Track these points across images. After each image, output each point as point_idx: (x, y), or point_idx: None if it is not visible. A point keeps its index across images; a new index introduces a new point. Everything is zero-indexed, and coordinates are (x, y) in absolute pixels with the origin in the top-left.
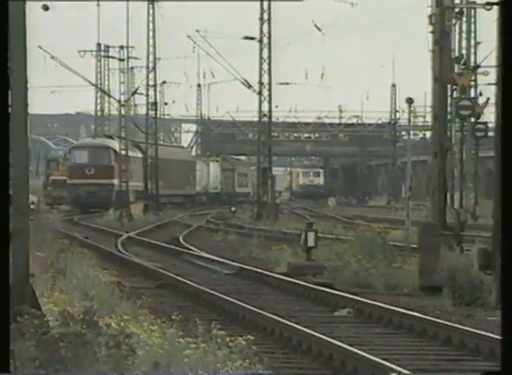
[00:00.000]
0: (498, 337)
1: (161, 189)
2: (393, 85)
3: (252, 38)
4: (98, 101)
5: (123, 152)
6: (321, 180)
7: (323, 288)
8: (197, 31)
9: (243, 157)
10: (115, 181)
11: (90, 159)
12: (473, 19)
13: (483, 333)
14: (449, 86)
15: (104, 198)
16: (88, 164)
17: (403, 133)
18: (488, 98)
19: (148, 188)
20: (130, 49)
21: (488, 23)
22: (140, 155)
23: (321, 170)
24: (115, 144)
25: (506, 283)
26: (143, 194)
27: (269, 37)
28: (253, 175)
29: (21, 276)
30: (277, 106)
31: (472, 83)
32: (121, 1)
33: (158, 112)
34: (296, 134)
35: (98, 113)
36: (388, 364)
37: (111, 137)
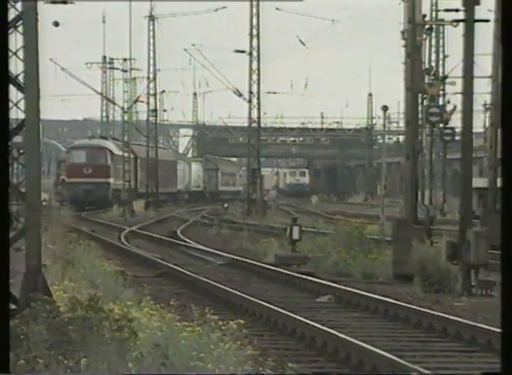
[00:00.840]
0: (463, 320)
1: (145, 187)
2: (370, 94)
3: (243, 52)
4: (104, 108)
5: (120, 153)
6: (306, 180)
7: (306, 277)
8: (193, 45)
9: (234, 158)
10: (111, 180)
11: (87, 159)
12: (441, 35)
13: (450, 317)
14: (420, 95)
15: (101, 196)
16: (86, 164)
17: (379, 137)
18: (455, 106)
19: (137, 187)
20: (133, 61)
21: (455, 38)
22: (131, 155)
23: (306, 170)
24: (110, 145)
25: (506, 284)
26: (133, 192)
27: (258, 51)
28: (243, 175)
29: (34, 267)
30: (265, 113)
31: (441, 92)
32: (123, 0)
33: (158, 118)
34: (282, 138)
35: (104, 119)
36: (365, 345)
37: (105, 138)
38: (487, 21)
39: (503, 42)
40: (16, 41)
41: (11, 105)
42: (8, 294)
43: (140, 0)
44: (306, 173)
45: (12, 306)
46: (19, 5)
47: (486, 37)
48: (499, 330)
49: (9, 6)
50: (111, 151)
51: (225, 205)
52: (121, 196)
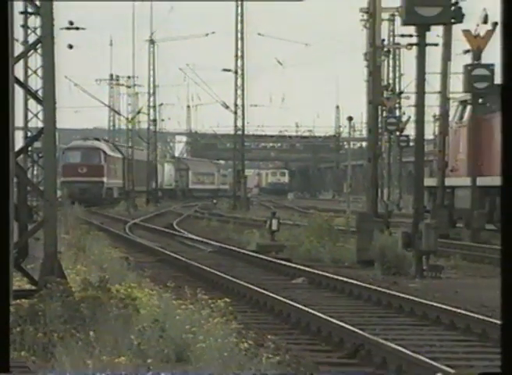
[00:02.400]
0: (416, 298)
1: (129, 186)
2: (337, 107)
3: (229, 70)
4: (111, 118)
5: (112, 153)
6: (286, 179)
7: (283, 262)
8: (187, 65)
9: (222, 161)
10: (105, 179)
11: (82, 159)
12: (398, 57)
13: (405, 296)
14: (379, 107)
15: (95, 194)
16: (81, 163)
17: (345, 143)
18: (409, 117)
19: (125, 185)
20: (135, 78)
21: (409, 59)
22: (120, 155)
23: (286, 171)
24: (103, 146)
25: (506, 286)
26: (121, 190)
27: (242, 70)
28: (228, 175)
29: (51, 253)
30: (248, 122)
31: (397, 105)
32: (125, 0)
33: (157, 126)
34: (263, 144)
35: (111, 128)
36: (333, 320)
37: (98, 139)
38: (436, 45)
39: (504, 43)
40: (36, 61)
41: (31, 115)
42: (8, 294)
43: None
44: (286, 173)
45: (32, 287)
46: (38, 31)
47: (435, 58)
48: (446, 307)
49: (30, 31)
50: (104, 152)
51: (214, 201)
52: (113, 194)
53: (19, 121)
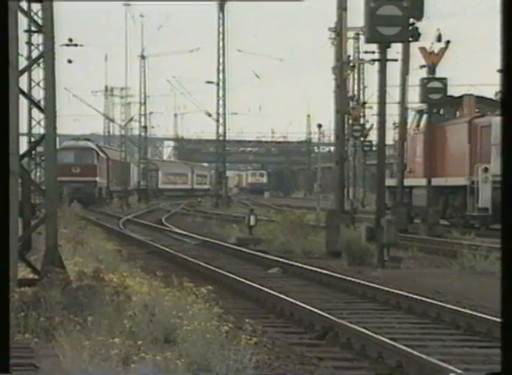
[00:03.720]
0: (378, 286)
1: (111, 185)
2: (308, 115)
3: (212, 82)
4: (106, 125)
5: (102, 154)
6: (264, 180)
7: (260, 254)
8: (174, 77)
9: (205, 164)
10: (98, 179)
11: (76, 159)
12: (362, 71)
13: (368, 284)
14: (346, 116)
15: (89, 194)
16: (74, 163)
17: (315, 147)
18: (372, 124)
19: (109, 184)
20: (128, 89)
21: (372, 73)
22: (105, 156)
23: (264, 172)
24: (95, 146)
25: (506, 286)
26: (106, 190)
27: (224, 82)
28: (210, 176)
29: (52, 246)
30: (229, 129)
31: (361, 114)
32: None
33: (147, 133)
34: (242, 148)
35: (106, 134)
36: (305, 305)
37: (88, 140)
38: (395, 60)
39: (504, 42)
40: (38, 74)
41: (34, 122)
42: (8, 294)
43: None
44: (264, 174)
45: (35, 276)
46: (40, 47)
47: (395, 72)
48: (405, 293)
49: (33, 48)
50: (97, 152)
51: (199, 200)
52: (103, 193)
53: (23, 127)
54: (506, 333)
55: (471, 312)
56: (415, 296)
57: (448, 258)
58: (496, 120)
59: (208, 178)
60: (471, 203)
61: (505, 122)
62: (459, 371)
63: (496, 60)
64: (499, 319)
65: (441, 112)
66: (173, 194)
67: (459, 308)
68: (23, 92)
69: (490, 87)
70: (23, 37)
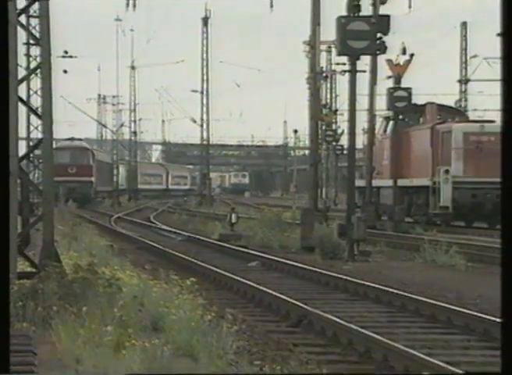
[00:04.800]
0: (348, 278)
1: (98, 185)
2: (285, 121)
3: (196, 91)
4: (99, 130)
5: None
6: (247, 180)
7: (241, 249)
8: (162, 86)
9: (190, 166)
10: (93, 179)
11: (71, 159)
12: (334, 81)
13: (340, 276)
14: (319, 122)
15: (84, 194)
16: (70, 163)
17: (291, 151)
18: (343, 130)
19: (96, 185)
20: (119, 97)
21: (343, 83)
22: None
23: (247, 173)
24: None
25: (506, 286)
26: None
27: (207, 91)
28: (191, 176)
29: (48, 241)
30: (212, 134)
31: (333, 120)
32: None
33: (137, 137)
34: (224, 152)
35: (99, 138)
36: (281, 296)
37: (81, 139)
38: (364, 71)
39: (504, 44)
40: (36, 83)
41: (32, 128)
42: (7, 294)
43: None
44: (246, 175)
45: (33, 270)
46: (38, 58)
47: (364, 82)
48: (373, 285)
49: (31, 59)
50: (93, 152)
51: (185, 199)
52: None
53: (22, 132)
54: (506, 333)
55: (432, 301)
56: (382, 287)
57: (412, 252)
58: (455, 126)
59: (188, 179)
60: (433, 202)
61: (505, 122)
62: (459, 371)
63: (455, 71)
64: (458, 308)
65: (406, 118)
66: (149, 194)
67: (422, 298)
68: (21, 100)
69: (450, 96)
70: (22, 49)
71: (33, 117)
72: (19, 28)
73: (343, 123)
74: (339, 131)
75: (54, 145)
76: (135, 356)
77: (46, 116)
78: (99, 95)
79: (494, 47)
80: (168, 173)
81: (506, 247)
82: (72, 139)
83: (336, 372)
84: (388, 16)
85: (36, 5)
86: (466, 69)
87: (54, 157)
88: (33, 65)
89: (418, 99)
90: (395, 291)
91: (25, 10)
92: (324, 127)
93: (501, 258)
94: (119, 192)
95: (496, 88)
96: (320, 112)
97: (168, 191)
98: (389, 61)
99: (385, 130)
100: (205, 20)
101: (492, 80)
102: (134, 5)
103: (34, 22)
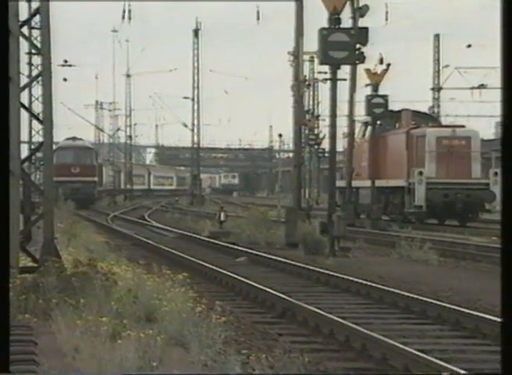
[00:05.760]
0: (330, 272)
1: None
2: (270, 126)
3: (188, 98)
4: (96, 134)
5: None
6: (236, 181)
7: (230, 245)
8: (155, 93)
9: (182, 168)
10: (97, 179)
11: (74, 159)
12: (316, 88)
13: (322, 270)
14: (302, 127)
15: (88, 194)
16: (73, 163)
17: (276, 154)
18: (325, 134)
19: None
20: (115, 104)
21: (325, 90)
22: None
23: (236, 174)
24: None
25: (506, 285)
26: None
27: (198, 97)
28: (177, 177)
29: (49, 238)
30: (203, 138)
31: (316, 125)
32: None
33: (132, 141)
34: (214, 154)
35: (96, 142)
36: (267, 289)
37: (81, 139)
38: (344, 80)
39: (504, 42)
40: (38, 90)
41: (34, 132)
42: (7, 293)
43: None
44: (236, 176)
45: (34, 265)
46: (39, 67)
47: (344, 89)
48: (353, 279)
49: (33, 68)
50: (96, 152)
51: (176, 198)
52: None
53: (24, 136)
54: (506, 333)
55: (407, 294)
56: (361, 281)
57: (388, 248)
58: (429, 131)
59: (173, 179)
60: (408, 201)
61: (505, 123)
62: (460, 371)
63: (428, 80)
64: (431, 300)
65: (383, 124)
66: (133, 194)
67: (398, 291)
68: (24, 106)
69: (424, 102)
70: (24, 58)
71: (34, 122)
72: (21, 38)
73: (324, 128)
74: (321, 135)
75: (54, 146)
76: (130, 345)
77: (47, 121)
78: (96, 102)
79: (464, 57)
80: (150, 173)
81: (506, 247)
82: (74, 138)
83: (334, 370)
84: (366, 28)
85: (37, 17)
86: (438, 77)
87: (56, 157)
88: (34, 73)
89: (394, 106)
90: (373, 285)
91: (27, 22)
92: (307, 132)
93: (501, 258)
94: (108, 192)
95: (467, 96)
96: (303, 118)
97: (151, 191)
98: (368, 70)
99: (363, 135)
100: (196, 32)
101: (463, 88)
102: (130, 18)
103: (36, 33)
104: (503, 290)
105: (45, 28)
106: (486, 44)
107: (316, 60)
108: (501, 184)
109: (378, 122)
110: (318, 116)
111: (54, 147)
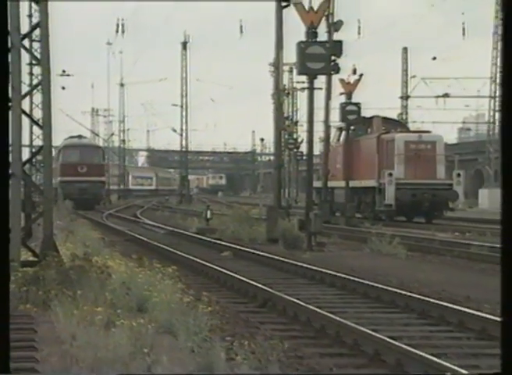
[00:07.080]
0: (307, 265)
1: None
2: (253, 131)
3: (177, 105)
4: (92, 139)
5: None
6: (223, 181)
7: (215, 241)
8: (147, 101)
9: (171, 170)
10: (105, 178)
11: (81, 158)
12: (295, 96)
13: (300, 264)
14: (282, 132)
15: (96, 195)
16: (80, 162)
17: (258, 157)
18: (302, 139)
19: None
20: (110, 110)
21: (302, 99)
22: None
23: (223, 175)
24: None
25: (506, 285)
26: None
27: (186, 105)
28: (176, 179)
29: (48, 234)
30: (191, 142)
31: (295, 130)
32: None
33: (125, 145)
34: (201, 157)
35: None
36: (250, 281)
37: (85, 137)
38: (320, 89)
39: (504, 43)
40: (38, 98)
41: (34, 137)
42: (7, 293)
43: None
44: (223, 177)
45: (35, 259)
46: (39, 77)
47: (320, 97)
48: (328, 271)
49: (34, 77)
50: (103, 151)
51: (167, 198)
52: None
53: (25, 140)
54: (506, 332)
55: (378, 285)
56: (336, 273)
57: (361, 243)
58: (398, 136)
59: (153, 179)
60: (379, 200)
61: (505, 123)
62: (462, 371)
63: (397, 89)
64: (400, 290)
65: (356, 129)
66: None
67: (369, 283)
68: (25, 112)
69: (393, 110)
70: (25, 68)
71: (35, 127)
72: (22, 50)
73: (302, 133)
74: (300, 140)
75: (60, 144)
76: (123, 333)
77: (46, 126)
78: (92, 108)
79: (430, 69)
80: (129, 173)
81: (506, 247)
82: (80, 137)
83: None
84: (341, 42)
85: (37, 31)
86: (407, 87)
87: (63, 156)
88: (35, 82)
89: (366, 113)
90: (346, 277)
91: (28, 35)
92: (286, 136)
93: (501, 258)
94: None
95: (432, 104)
96: (283, 124)
97: (129, 190)
98: (342, 80)
99: (338, 139)
100: (184, 44)
101: (428, 96)
102: (123, 31)
103: (36, 45)
104: (503, 290)
105: (45, 41)
106: (449, 56)
107: (295, 71)
108: (501, 184)
109: (352, 127)
110: (297, 122)
111: (59, 145)
